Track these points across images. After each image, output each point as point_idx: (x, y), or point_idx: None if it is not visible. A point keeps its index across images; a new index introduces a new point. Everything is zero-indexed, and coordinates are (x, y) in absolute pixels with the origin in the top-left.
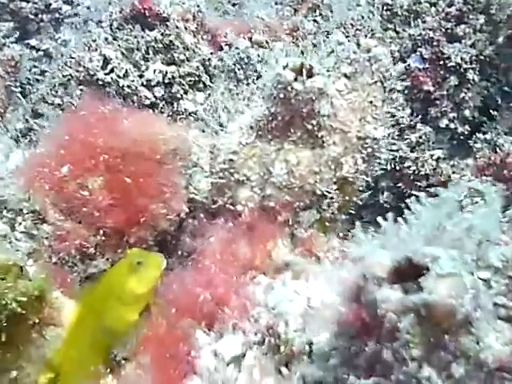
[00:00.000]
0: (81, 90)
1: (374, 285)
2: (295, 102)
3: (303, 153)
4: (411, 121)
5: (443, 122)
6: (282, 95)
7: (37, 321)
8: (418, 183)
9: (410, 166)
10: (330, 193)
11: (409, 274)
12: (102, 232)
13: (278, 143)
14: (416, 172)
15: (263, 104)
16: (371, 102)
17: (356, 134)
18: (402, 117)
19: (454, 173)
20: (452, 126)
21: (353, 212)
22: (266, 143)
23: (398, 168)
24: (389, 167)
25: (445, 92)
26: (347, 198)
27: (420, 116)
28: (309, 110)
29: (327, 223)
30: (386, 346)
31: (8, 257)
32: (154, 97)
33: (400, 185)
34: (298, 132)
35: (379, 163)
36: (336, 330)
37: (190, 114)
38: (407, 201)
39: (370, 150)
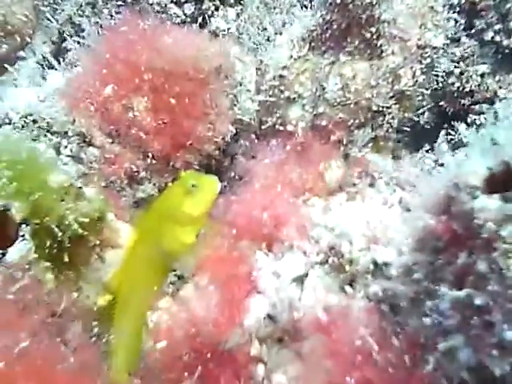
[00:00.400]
0: (108, 9)
1: (468, 194)
2: (353, 8)
3: (359, 65)
4: (455, 33)
5: (488, 35)
6: (338, 0)
7: (97, 242)
8: (462, 101)
9: (453, 83)
10: (387, 108)
11: (505, 181)
12: (148, 156)
13: (332, 55)
14: (460, 89)
15: (316, 12)
16: (432, 7)
17: (416, 42)
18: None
19: (500, 88)
20: (497, 38)
21: (408, 130)
22: (320, 56)
23: (440, 85)
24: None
25: (491, 2)
26: (404, 114)
27: (464, 28)
28: (368, 16)
29: (382, 142)
30: (481, 257)
31: (66, 178)
32: (184, 14)
33: (442, 103)
34: (355, 41)
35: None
36: (418, 245)
37: (222, 31)
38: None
39: (429, 60)
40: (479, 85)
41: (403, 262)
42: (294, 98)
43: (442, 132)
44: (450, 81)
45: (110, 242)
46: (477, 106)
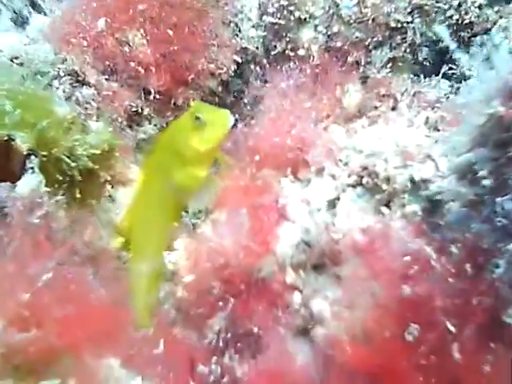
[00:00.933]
0: None
1: None
2: None
3: None
4: None
5: None
6: None
7: (108, 178)
8: (462, 33)
9: (452, 16)
10: (406, 23)
11: None
12: (148, 93)
13: None
14: (459, 21)
15: None
16: None
17: None
18: None
19: (501, 17)
20: None
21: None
22: None
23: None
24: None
25: None
26: (423, 31)
27: None
28: None
29: (400, 63)
30: None
31: (69, 109)
32: None
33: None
34: None
35: None
36: (480, 138)
37: None
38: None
39: None
40: (478, 16)
41: (461, 162)
42: (306, 19)
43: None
44: (447, 14)
45: (122, 178)
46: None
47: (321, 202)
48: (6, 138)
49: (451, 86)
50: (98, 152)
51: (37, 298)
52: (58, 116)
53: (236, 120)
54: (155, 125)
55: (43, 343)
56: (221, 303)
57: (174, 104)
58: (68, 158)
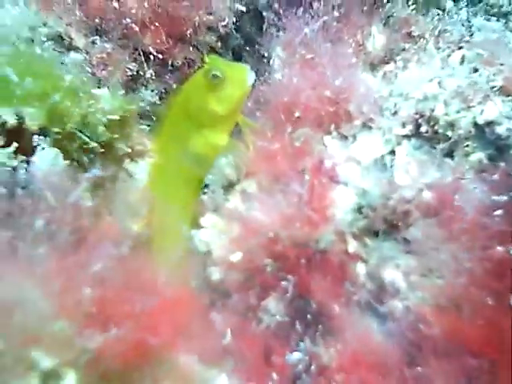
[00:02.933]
0: None
1: None
2: None
3: None
4: None
5: None
6: None
7: (129, 150)
8: None
9: None
10: None
11: None
12: (142, 53)
13: None
14: None
15: None
16: None
17: None
18: None
19: None
20: None
21: None
22: None
23: None
24: None
25: None
26: None
27: None
28: None
29: None
30: None
31: (75, 76)
32: None
33: None
34: None
35: None
36: None
37: None
38: None
39: None
40: None
41: None
42: None
43: None
44: None
45: (140, 150)
46: None
47: (373, 159)
48: (14, 120)
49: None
50: (115, 118)
51: (102, 292)
52: (67, 84)
53: (256, 75)
54: (152, 90)
55: (132, 342)
56: (278, 282)
57: (173, 65)
58: (83, 130)
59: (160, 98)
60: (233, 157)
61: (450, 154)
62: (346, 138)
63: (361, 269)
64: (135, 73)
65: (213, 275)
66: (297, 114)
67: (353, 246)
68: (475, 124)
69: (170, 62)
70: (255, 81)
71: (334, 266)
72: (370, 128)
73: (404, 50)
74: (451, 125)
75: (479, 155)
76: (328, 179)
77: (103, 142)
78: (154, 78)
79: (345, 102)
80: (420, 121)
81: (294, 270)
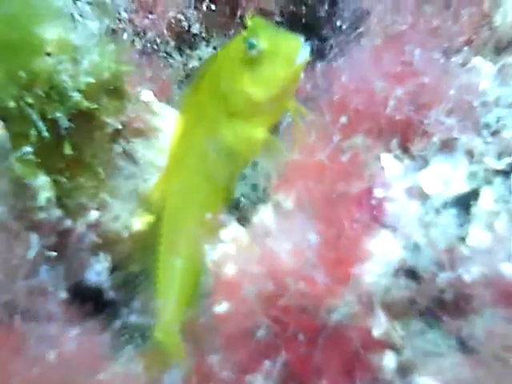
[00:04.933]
0: None
1: None
2: None
3: None
4: None
5: None
6: None
7: (119, 127)
8: None
9: None
10: None
11: None
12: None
13: None
14: None
15: None
16: None
17: None
18: None
19: None
20: None
21: None
22: None
23: None
24: None
25: None
26: None
27: None
28: None
29: None
30: None
31: (62, 33)
32: None
33: None
34: None
35: None
36: None
37: None
38: None
39: None
40: None
41: None
42: None
43: None
44: None
45: (145, 130)
46: None
47: (444, 199)
48: None
49: None
50: (93, 81)
51: None
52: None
53: (312, 51)
54: (215, 47)
55: None
56: (268, 354)
57: (241, 17)
58: (49, 96)
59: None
60: (267, 159)
61: None
62: (413, 159)
63: (389, 361)
64: (193, 22)
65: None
66: (349, 117)
67: (381, 326)
68: None
69: (236, 13)
70: (311, 59)
71: (348, 351)
72: (453, 150)
73: None
74: None
75: None
76: (371, 219)
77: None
78: (217, 31)
79: (422, 109)
80: None
81: (291, 344)
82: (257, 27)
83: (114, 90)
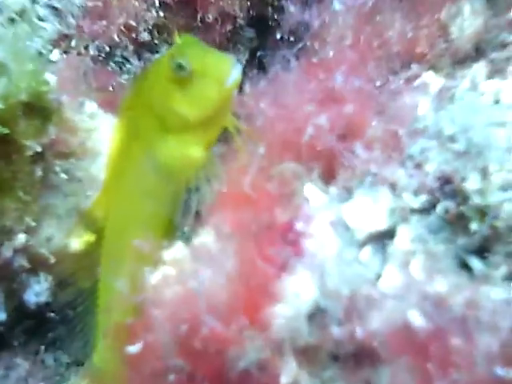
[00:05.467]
0: None
1: None
2: None
3: None
4: None
5: None
6: None
7: (38, 150)
8: None
9: None
10: None
11: None
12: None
13: None
14: None
15: None
16: None
17: None
18: None
19: None
20: None
21: None
22: None
23: None
24: None
25: None
26: None
27: None
28: None
29: None
30: None
31: None
32: None
33: None
34: None
35: None
36: None
37: None
38: None
39: None
40: None
41: None
42: None
43: None
44: None
45: (77, 148)
46: None
47: (362, 234)
48: None
49: None
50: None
51: None
52: None
53: (245, 69)
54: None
55: None
56: None
57: (202, 21)
58: None
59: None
60: (205, 180)
61: (481, 251)
62: (337, 191)
63: None
64: (151, 26)
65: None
66: (270, 146)
67: (291, 372)
68: None
69: (197, 15)
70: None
71: None
72: (376, 183)
73: (506, 45)
74: (482, 209)
75: None
76: (289, 254)
77: None
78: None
79: (350, 138)
80: (442, 189)
81: None
82: (185, 45)
83: (34, 111)
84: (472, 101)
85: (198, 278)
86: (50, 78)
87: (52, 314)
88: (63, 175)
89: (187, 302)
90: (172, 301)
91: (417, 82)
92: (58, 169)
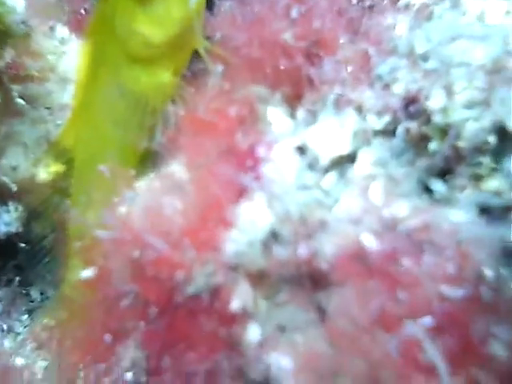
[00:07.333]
0: None
1: None
2: None
3: None
4: None
5: None
6: None
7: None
8: None
9: None
10: None
11: None
12: None
13: None
14: None
15: None
16: None
17: None
18: None
19: None
20: None
21: None
22: None
23: None
24: None
25: None
26: None
27: None
28: None
29: None
30: None
31: None
32: None
33: None
34: None
35: None
36: None
37: None
38: None
39: None
40: None
41: None
42: None
43: None
44: None
45: (43, 72)
46: None
47: (325, 159)
48: None
49: None
50: None
51: None
52: None
53: None
54: None
55: None
56: (128, 328)
57: None
58: None
59: None
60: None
61: (443, 173)
62: (302, 114)
63: (253, 333)
64: None
65: None
66: (235, 67)
67: (243, 295)
68: (502, 130)
69: None
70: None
71: (210, 324)
72: (341, 106)
73: None
74: (444, 127)
75: (496, 184)
76: (249, 178)
77: None
78: None
79: (314, 58)
80: (406, 109)
81: (150, 318)
82: None
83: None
84: (451, 19)
85: (153, 204)
86: (19, 1)
87: (23, 245)
88: (21, 100)
89: (141, 226)
90: (127, 226)
91: (401, 2)
92: (16, 94)
